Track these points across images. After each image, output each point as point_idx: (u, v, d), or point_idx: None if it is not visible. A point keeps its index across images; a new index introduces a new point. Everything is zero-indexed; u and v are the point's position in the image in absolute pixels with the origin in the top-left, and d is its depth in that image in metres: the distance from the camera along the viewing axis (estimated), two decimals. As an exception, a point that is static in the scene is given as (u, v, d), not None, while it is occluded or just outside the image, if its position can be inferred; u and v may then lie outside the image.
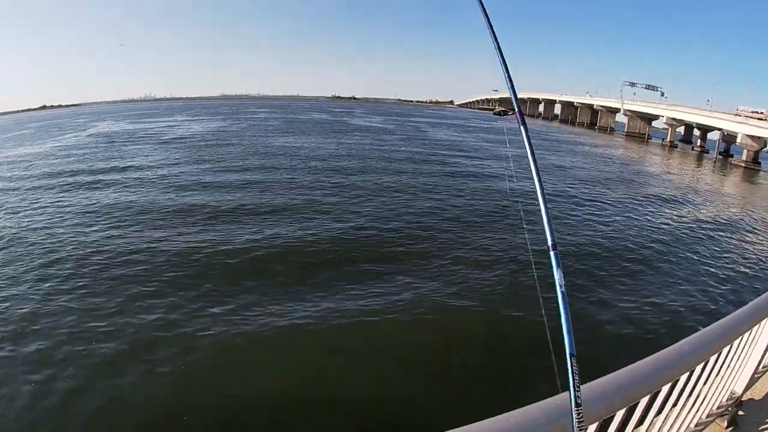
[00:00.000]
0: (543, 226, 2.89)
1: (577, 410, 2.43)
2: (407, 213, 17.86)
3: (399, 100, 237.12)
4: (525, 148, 3.17)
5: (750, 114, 54.33)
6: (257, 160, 29.49)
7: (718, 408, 3.53)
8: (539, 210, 2.96)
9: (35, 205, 18.41)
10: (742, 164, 50.69)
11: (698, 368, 3.10)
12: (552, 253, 2.80)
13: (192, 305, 9.71)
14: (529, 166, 3.09)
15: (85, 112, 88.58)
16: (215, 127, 55.78)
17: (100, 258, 12.34)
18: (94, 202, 18.63)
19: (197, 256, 12.50)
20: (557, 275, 2.73)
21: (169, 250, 12.97)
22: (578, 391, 2.39)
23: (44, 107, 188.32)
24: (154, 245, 13.36)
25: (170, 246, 13.31)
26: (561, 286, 2.70)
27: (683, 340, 2.82)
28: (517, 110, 3.22)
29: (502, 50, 4.01)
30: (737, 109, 57.44)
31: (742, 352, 3.34)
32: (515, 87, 3.31)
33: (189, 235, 14.45)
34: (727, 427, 3.76)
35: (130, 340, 8.39)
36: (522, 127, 3.20)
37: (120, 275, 11.22)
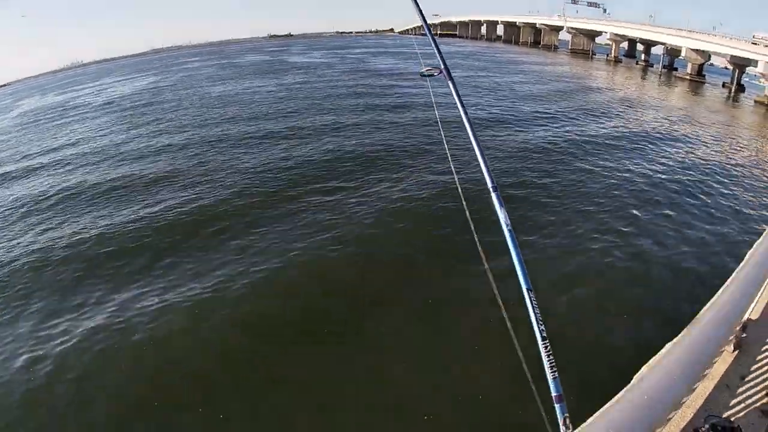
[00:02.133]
0: (481, 170, 2.75)
1: (544, 343, 2.31)
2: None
3: (338, 32, 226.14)
4: (455, 102, 3.06)
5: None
6: (194, 115, 27.98)
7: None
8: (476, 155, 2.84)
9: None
10: (687, 77, 52.28)
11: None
12: (494, 195, 2.64)
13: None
14: (461, 118, 2.98)
15: (9, 92, 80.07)
16: (146, 84, 51.73)
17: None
18: (35, 189, 17.50)
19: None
20: (502, 215, 2.58)
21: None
22: (541, 324, 2.29)
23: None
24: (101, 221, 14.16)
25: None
26: (507, 226, 2.55)
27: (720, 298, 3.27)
28: (443, 67, 3.19)
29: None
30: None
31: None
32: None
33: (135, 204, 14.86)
34: (733, 351, 4.20)
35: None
36: (449, 82, 3.12)
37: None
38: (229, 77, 48.63)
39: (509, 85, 35.70)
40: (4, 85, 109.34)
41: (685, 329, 4.49)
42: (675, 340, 4.66)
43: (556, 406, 2.35)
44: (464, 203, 3.14)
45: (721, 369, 4.09)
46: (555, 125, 22.48)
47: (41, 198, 16.07)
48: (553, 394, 2.36)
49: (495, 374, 6.75)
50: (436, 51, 3.38)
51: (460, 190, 3.22)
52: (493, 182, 2.82)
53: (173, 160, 18.70)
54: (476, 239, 2.89)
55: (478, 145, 2.92)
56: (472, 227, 3.03)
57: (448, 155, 3.40)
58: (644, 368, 4.39)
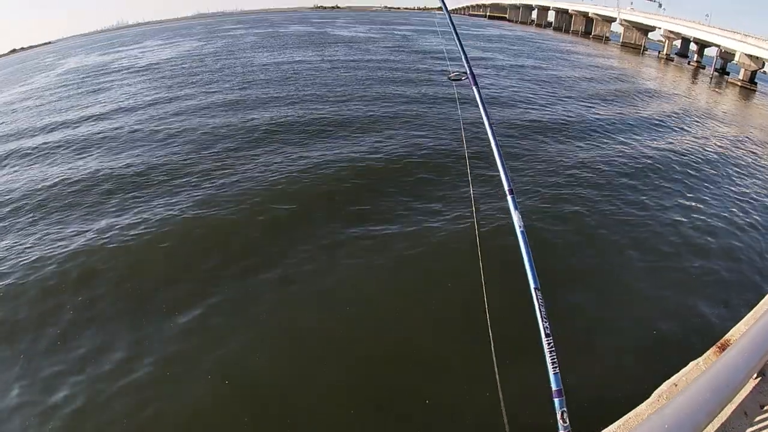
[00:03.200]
0: (499, 172, 2.90)
1: (547, 340, 2.45)
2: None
3: (386, 7, 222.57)
4: (478, 106, 3.19)
5: None
6: (235, 85, 28.20)
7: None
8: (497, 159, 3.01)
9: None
10: (738, 83, 49.31)
11: None
12: (510, 197, 2.75)
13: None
14: (482, 119, 3.12)
15: (52, 50, 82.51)
16: (189, 50, 52.59)
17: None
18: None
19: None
20: (516, 217, 2.71)
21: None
22: (545, 322, 2.43)
23: (14, 51, 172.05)
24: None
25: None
26: (520, 227, 2.69)
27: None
28: (469, 73, 3.30)
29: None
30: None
31: None
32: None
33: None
34: (756, 377, 4.04)
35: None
36: (474, 87, 3.24)
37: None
38: (272, 47, 48.78)
39: (555, 76, 34.90)
40: (48, 43, 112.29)
41: (715, 351, 4.37)
42: (703, 358, 4.49)
43: (555, 400, 2.47)
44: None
45: (742, 394, 3.91)
46: (599, 119, 22.13)
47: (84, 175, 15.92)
48: (554, 388, 2.48)
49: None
50: (462, 57, 3.49)
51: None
52: (509, 185, 2.94)
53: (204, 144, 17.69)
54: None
55: (497, 148, 3.03)
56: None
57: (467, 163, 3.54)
58: (664, 385, 4.33)
